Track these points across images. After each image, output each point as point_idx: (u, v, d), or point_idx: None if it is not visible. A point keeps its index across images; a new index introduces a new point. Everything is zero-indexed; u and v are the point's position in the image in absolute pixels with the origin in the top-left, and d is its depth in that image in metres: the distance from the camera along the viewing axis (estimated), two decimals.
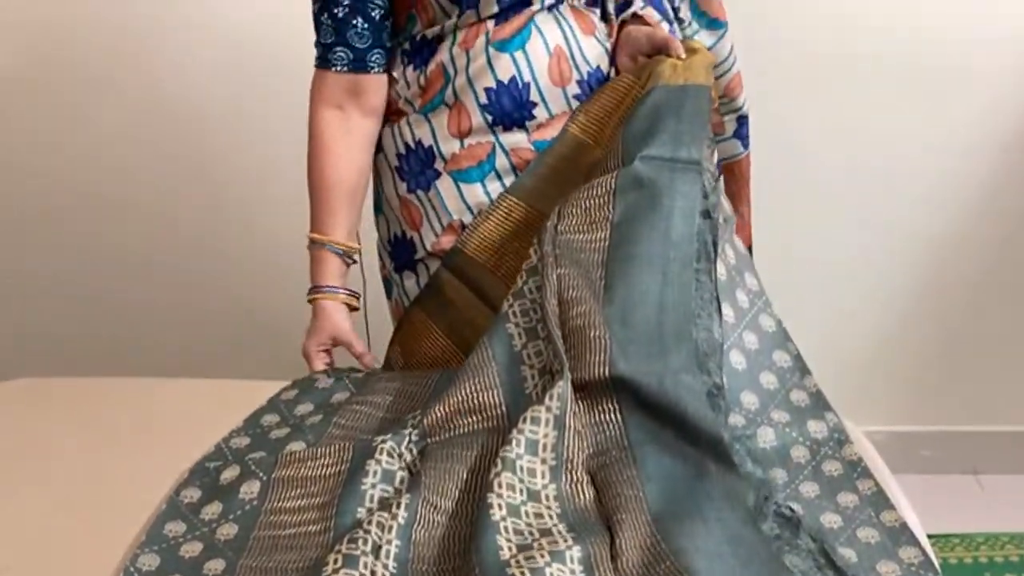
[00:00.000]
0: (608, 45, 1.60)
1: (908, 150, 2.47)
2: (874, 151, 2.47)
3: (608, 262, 1.30)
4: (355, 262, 1.64)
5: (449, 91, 1.55)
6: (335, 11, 1.54)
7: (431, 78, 1.56)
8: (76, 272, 2.66)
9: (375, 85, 1.59)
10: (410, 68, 1.59)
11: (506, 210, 1.54)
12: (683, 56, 1.49)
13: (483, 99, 1.54)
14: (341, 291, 1.61)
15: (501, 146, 1.56)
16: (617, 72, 1.59)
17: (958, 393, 2.68)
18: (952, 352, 2.64)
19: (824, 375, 1.37)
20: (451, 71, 1.55)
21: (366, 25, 1.55)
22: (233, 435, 1.40)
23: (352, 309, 1.63)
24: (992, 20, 2.37)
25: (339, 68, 1.56)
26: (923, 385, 2.68)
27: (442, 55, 1.56)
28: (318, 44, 1.58)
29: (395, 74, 1.61)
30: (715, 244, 1.34)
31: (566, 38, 1.56)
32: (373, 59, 1.57)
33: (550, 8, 1.56)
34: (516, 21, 1.54)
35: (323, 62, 1.57)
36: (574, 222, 1.35)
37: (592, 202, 1.36)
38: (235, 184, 2.58)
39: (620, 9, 1.62)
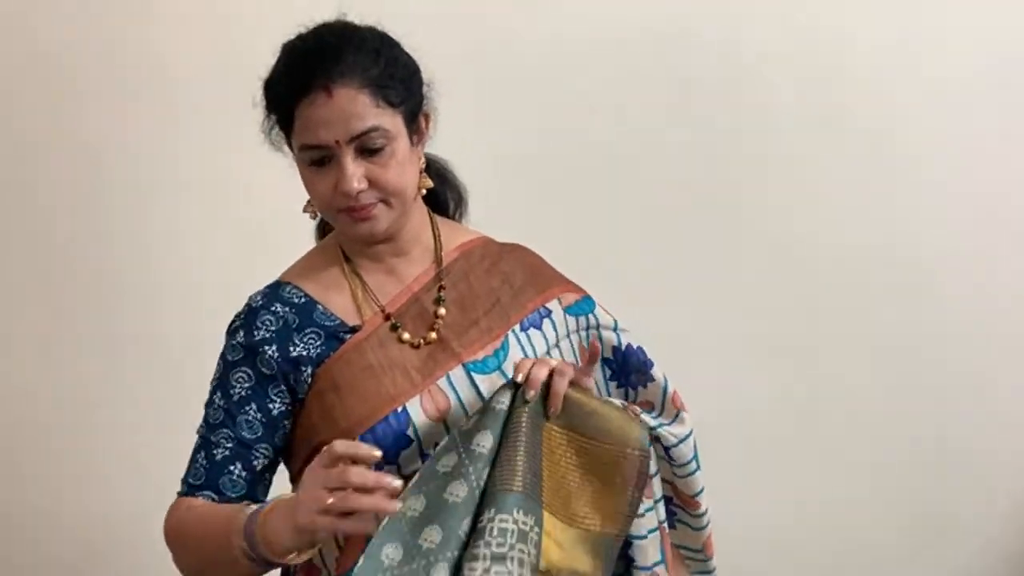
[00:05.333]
0: None
1: None
2: None
3: None
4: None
5: None
6: (214, 452, 1.39)
7: (349, 539, 1.37)
8: None
9: None
10: None
11: None
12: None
13: None
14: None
15: None
16: None
17: None
18: None
19: None
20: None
21: (244, 474, 1.39)
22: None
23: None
24: None
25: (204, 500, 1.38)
26: None
27: None
28: (184, 481, 1.41)
29: None
30: None
31: None
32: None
33: None
34: None
35: (186, 492, 1.40)
36: None
37: None
38: None
39: None
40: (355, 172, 1.35)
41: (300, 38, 1.40)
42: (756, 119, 2.44)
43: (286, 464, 1.46)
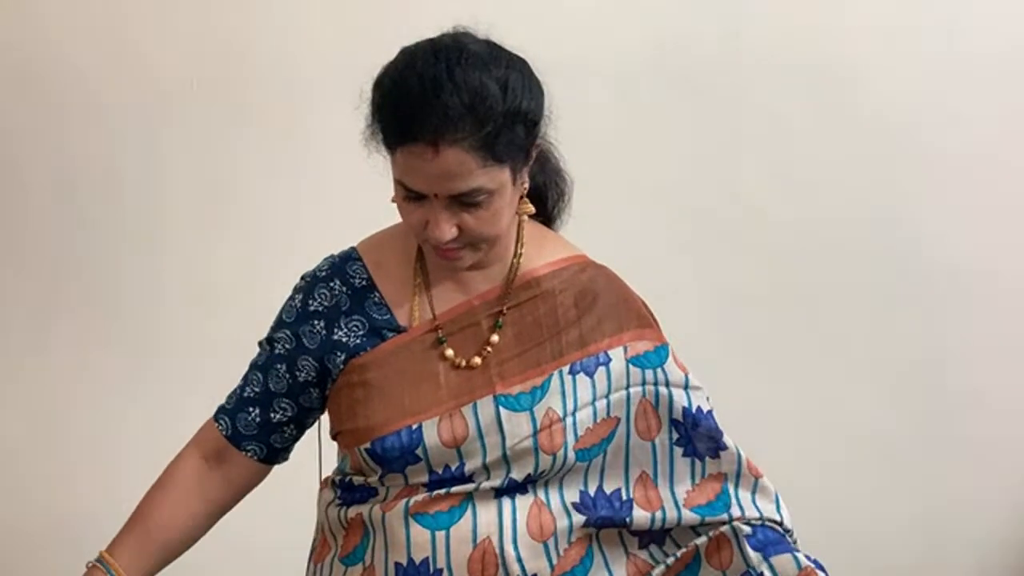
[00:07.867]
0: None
1: None
2: None
3: None
4: None
5: (368, 553, 1.38)
6: (245, 389, 1.45)
7: (352, 524, 1.41)
8: None
9: (241, 465, 1.45)
10: (334, 504, 1.44)
11: None
12: None
13: (392, 574, 1.35)
14: None
15: None
16: None
17: None
18: None
19: None
20: (370, 528, 1.39)
21: (257, 419, 1.43)
22: None
23: None
24: None
25: (220, 428, 1.45)
26: None
27: (363, 508, 1.39)
28: (227, 400, 1.48)
29: (327, 493, 1.47)
30: None
31: (501, 531, 1.34)
32: (249, 447, 1.44)
33: (505, 492, 1.35)
34: (449, 498, 1.34)
35: (216, 412, 1.47)
36: None
37: None
38: None
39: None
40: (447, 221, 1.28)
41: (420, 57, 1.27)
42: (759, 120, 2.46)
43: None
